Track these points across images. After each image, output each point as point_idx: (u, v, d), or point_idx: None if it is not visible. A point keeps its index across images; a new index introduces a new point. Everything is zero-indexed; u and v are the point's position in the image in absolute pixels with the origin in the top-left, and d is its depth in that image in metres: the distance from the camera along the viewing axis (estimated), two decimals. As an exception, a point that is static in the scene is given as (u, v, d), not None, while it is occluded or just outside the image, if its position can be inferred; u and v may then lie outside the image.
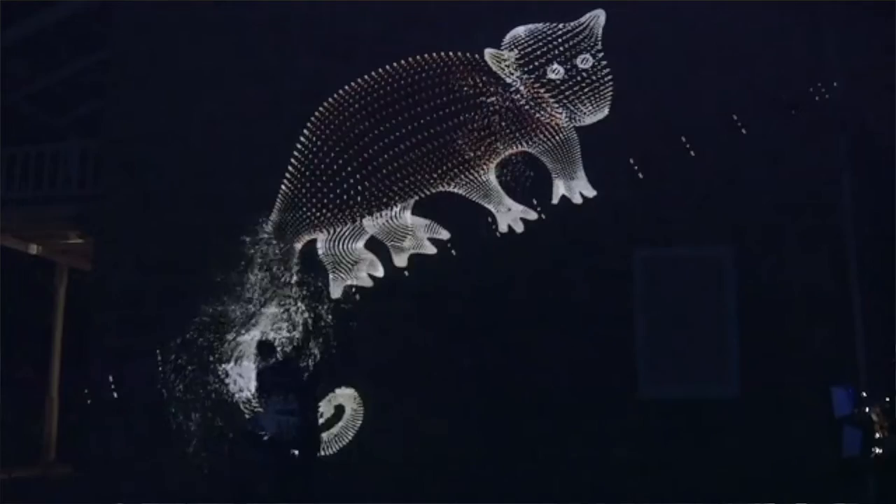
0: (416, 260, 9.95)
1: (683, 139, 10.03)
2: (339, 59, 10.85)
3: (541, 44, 8.81)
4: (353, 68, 9.87)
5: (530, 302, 10.63)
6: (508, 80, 8.84)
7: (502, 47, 8.88)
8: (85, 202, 12.96)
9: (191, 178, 11.65)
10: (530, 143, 8.98)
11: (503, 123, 8.84)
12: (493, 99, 8.87)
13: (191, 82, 11.84)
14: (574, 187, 9.40)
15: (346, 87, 9.57)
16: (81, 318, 12.83)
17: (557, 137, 9.03)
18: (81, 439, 11.97)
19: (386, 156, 9.24)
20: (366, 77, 9.51)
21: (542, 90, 8.73)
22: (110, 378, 11.16)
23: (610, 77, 8.76)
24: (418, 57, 9.29)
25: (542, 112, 8.85)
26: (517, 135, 8.90)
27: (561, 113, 8.79)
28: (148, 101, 12.06)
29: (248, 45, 11.74)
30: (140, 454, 10.98)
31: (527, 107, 8.82)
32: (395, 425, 10.29)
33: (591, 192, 9.44)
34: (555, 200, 9.49)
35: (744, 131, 10.14)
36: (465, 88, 8.93)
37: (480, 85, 8.88)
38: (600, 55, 8.83)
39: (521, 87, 8.81)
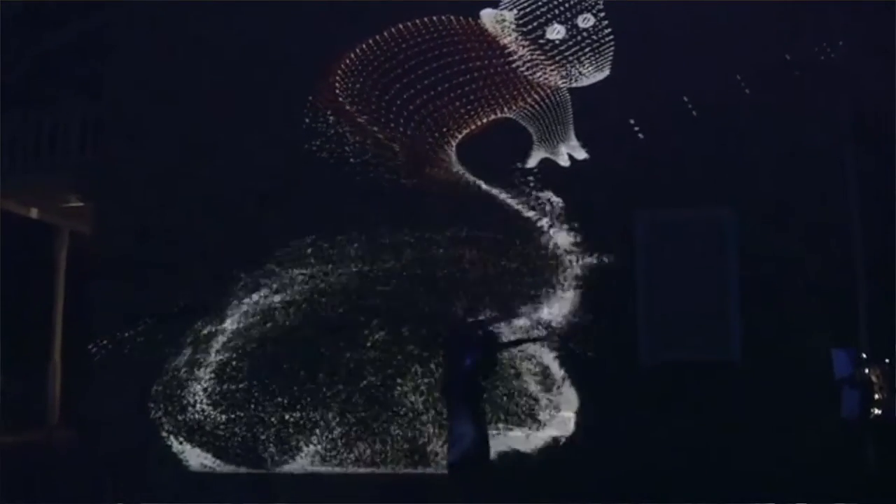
0: (412, 218, 9.97)
1: (685, 99, 9.94)
2: (343, 27, 10.73)
3: (541, 3, 8.72)
4: (355, 35, 9.84)
5: (528, 266, 10.57)
6: (504, 42, 8.76)
7: (501, 6, 8.80)
8: (85, 168, 12.91)
9: (192, 145, 11.57)
10: (523, 104, 8.90)
11: (497, 85, 8.77)
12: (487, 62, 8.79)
13: (193, 48, 11.72)
14: (563, 150, 9.34)
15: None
16: (83, 281, 12.85)
17: (551, 99, 8.96)
18: (84, 402, 12.01)
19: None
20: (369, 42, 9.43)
21: (538, 51, 8.64)
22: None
23: (611, 36, 8.68)
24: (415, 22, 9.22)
25: (538, 73, 8.77)
26: (509, 96, 8.82)
27: (556, 74, 8.72)
28: (150, 66, 11.95)
29: (251, 10, 11.61)
30: (142, 418, 11.02)
31: (522, 68, 8.74)
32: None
33: (581, 154, 9.38)
34: (531, 164, 9.45)
35: (747, 91, 10.05)
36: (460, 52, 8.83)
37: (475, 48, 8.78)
38: (601, 14, 8.74)
39: (518, 48, 8.72)
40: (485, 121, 9.11)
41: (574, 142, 9.33)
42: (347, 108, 9.85)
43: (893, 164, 9.64)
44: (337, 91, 9.97)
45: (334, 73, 9.83)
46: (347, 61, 9.74)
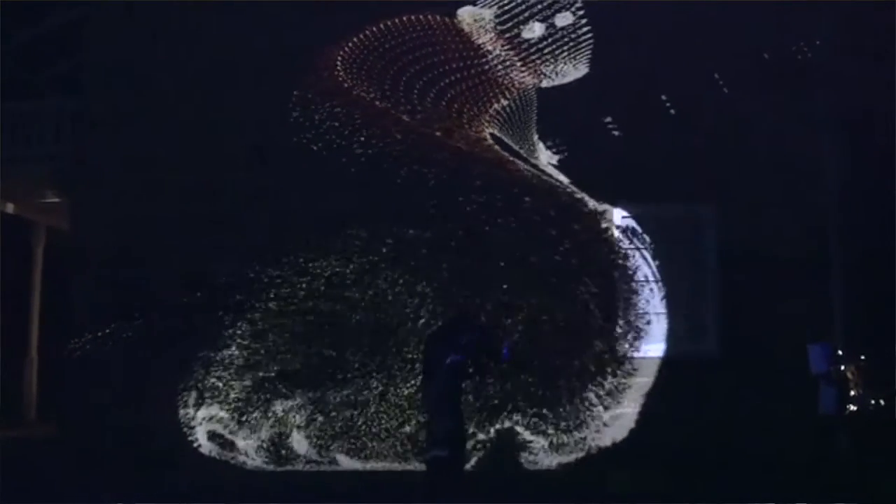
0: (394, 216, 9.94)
1: (663, 97, 9.96)
2: (323, 17, 10.69)
3: (520, 0, 8.67)
4: (336, 26, 9.79)
5: (512, 260, 10.57)
6: (479, 41, 8.69)
7: (479, 3, 8.74)
8: (61, 161, 12.80)
9: (172, 136, 11.51)
10: (494, 104, 8.84)
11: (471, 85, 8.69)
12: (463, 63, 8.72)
13: (173, 39, 11.65)
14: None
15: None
16: (60, 277, 12.76)
17: (521, 99, 8.92)
18: (63, 398, 11.95)
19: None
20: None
21: (512, 51, 8.59)
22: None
23: (590, 34, 8.66)
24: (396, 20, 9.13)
25: (510, 72, 8.72)
26: (483, 96, 8.76)
27: (526, 74, 8.68)
28: (129, 57, 11.86)
29: (230, 5, 11.53)
30: (122, 413, 10.96)
31: (498, 68, 8.69)
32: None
33: (545, 157, 9.37)
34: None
35: (725, 90, 10.09)
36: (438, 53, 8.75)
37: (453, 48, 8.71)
38: (580, 12, 8.72)
39: (492, 48, 8.66)
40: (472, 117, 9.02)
41: (539, 143, 9.32)
42: (330, 101, 9.78)
43: (872, 164, 9.72)
44: (319, 85, 9.91)
45: (317, 69, 9.76)
46: (329, 57, 9.65)
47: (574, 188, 9.61)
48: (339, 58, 9.46)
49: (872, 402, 9.05)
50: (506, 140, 9.24)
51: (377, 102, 9.25)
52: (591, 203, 9.49)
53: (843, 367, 9.12)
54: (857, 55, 9.69)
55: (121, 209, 11.51)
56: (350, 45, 9.47)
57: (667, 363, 10.20)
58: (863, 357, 9.14)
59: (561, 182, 9.52)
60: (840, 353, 9.32)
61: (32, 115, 13.33)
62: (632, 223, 10.54)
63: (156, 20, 11.78)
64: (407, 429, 9.92)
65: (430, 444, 7.82)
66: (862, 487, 7.99)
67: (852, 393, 9.04)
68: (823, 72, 10.12)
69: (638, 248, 10.37)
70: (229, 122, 11.11)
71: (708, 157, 10.43)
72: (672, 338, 10.38)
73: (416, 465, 9.38)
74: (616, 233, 10.02)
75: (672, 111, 10.04)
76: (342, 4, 10.56)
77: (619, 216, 10.55)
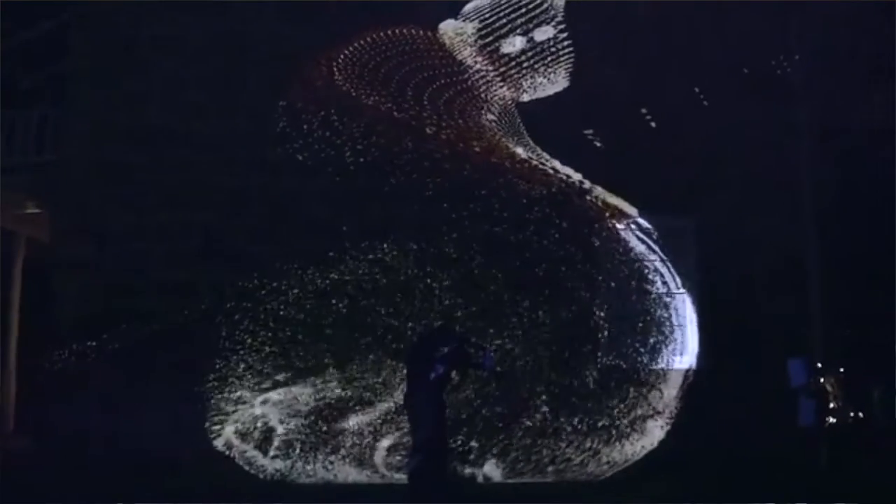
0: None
1: (644, 111, 10.03)
2: (302, 25, 10.71)
3: (502, 14, 8.65)
4: (316, 33, 9.79)
5: (496, 270, 10.59)
6: (460, 56, 8.67)
7: (460, 17, 8.75)
8: (42, 170, 12.74)
9: (152, 145, 11.48)
10: (475, 117, 8.81)
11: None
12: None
13: (153, 47, 11.64)
14: None
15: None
16: (41, 288, 12.68)
17: (503, 112, 8.92)
18: (43, 410, 11.87)
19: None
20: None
21: (491, 66, 8.57)
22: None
23: (570, 49, 8.67)
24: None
25: (490, 86, 8.70)
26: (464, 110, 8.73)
27: (504, 87, 8.67)
28: (109, 66, 11.85)
29: (211, 9, 11.54)
30: (102, 425, 10.90)
31: (479, 82, 8.67)
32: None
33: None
34: None
35: (705, 103, 10.16)
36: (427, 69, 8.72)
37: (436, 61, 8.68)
38: (561, 27, 8.73)
39: (472, 62, 8.63)
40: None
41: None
42: (317, 109, 9.76)
43: (853, 175, 9.81)
44: (306, 94, 9.89)
45: (304, 77, 9.75)
46: (319, 64, 9.64)
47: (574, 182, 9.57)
48: (332, 64, 9.43)
49: (851, 413, 9.16)
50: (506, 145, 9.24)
51: (369, 107, 9.22)
52: (598, 197, 9.44)
53: (822, 380, 9.21)
54: (837, 66, 9.78)
55: (102, 219, 11.48)
56: (343, 51, 9.43)
57: (645, 372, 10.20)
58: (842, 370, 9.24)
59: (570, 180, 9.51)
60: (819, 365, 9.41)
61: (13, 124, 13.26)
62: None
63: (139, 28, 11.77)
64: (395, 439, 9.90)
65: (413, 453, 7.85)
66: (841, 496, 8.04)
67: (831, 405, 9.13)
68: (804, 82, 10.21)
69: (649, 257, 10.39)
70: (213, 131, 11.11)
71: (689, 169, 10.50)
72: (651, 348, 10.39)
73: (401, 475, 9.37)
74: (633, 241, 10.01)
75: (652, 124, 10.09)
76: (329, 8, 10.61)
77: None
